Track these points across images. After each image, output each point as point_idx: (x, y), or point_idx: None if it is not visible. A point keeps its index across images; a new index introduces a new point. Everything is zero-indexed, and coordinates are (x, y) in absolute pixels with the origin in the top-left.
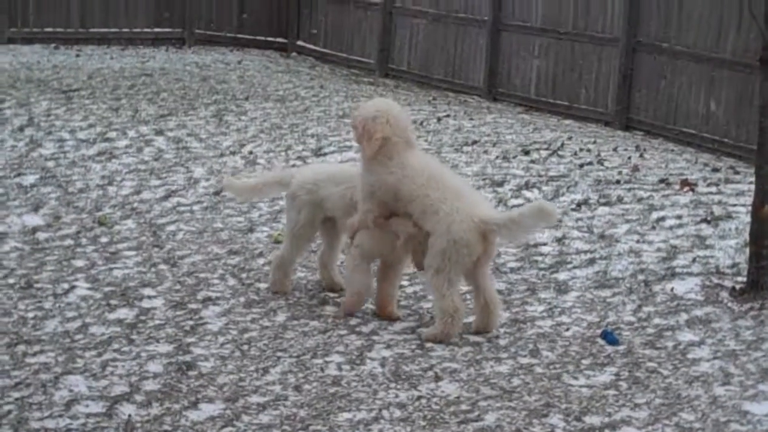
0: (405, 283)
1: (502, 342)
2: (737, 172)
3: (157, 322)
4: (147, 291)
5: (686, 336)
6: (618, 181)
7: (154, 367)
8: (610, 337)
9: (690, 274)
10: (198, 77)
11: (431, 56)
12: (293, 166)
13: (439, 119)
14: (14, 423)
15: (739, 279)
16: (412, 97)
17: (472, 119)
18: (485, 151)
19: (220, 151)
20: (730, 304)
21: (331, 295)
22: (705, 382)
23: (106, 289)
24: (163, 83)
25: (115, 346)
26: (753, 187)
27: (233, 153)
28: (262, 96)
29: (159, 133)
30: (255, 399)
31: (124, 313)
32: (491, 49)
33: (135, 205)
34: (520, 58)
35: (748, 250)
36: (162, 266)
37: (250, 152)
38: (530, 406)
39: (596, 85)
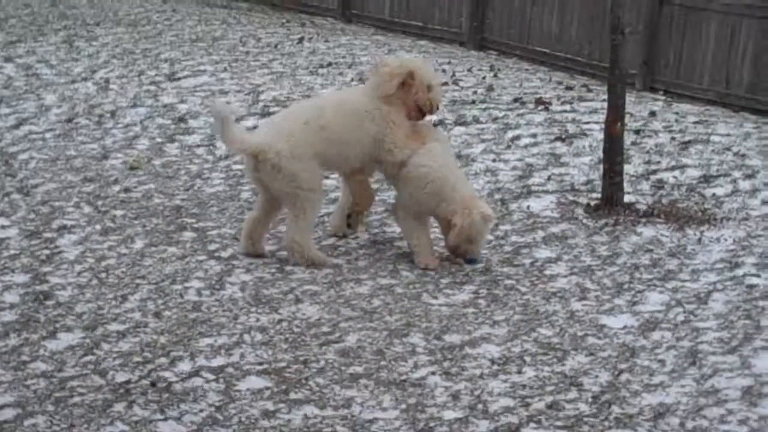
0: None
1: (362, 263)
2: (590, 90)
3: (12, 252)
4: (0, 221)
5: (543, 253)
6: (473, 101)
7: (10, 297)
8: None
9: (545, 191)
10: (47, 2)
11: None
12: (149, 91)
13: (300, 40)
14: None
15: (594, 195)
16: (266, 20)
17: (326, 41)
18: (340, 73)
19: (71, 78)
20: (585, 221)
21: (189, 221)
22: (562, 297)
23: None
24: (11, 9)
25: None
26: (606, 104)
27: (85, 79)
28: (113, 21)
29: (8, 60)
30: (114, 327)
31: None
32: None
33: None
34: None
35: (601, 166)
36: (15, 195)
37: (107, 81)
38: (391, 326)
39: (450, 6)
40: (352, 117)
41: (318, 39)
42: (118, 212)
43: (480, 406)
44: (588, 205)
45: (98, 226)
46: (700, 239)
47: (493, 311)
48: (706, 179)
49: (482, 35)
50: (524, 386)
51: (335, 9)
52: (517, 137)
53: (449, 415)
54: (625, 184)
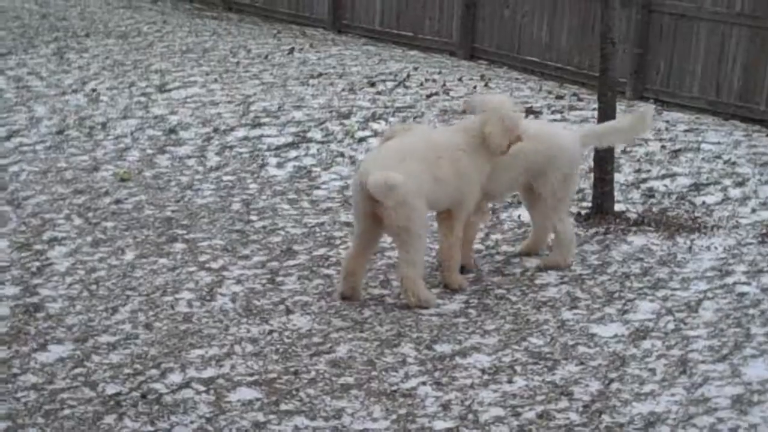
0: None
1: None
2: (581, 99)
3: (3, 264)
4: None
5: (533, 262)
6: (464, 111)
7: (0, 309)
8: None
9: None
10: (37, 15)
11: None
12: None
13: (291, 50)
14: None
15: (584, 204)
16: (256, 31)
17: (317, 52)
18: (331, 84)
19: (62, 90)
20: (576, 230)
21: (179, 232)
22: (553, 306)
23: None
24: (1, 22)
25: None
26: (596, 113)
27: (75, 91)
28: (104, 32)
29: None
30: (105, 339)
31: None
32: None
33: None
34: None
35: (592, 175)
36: (5, 207)
37: (93, 90)
38: (382, 336)
39: (440, 15)
40: None
41: (309, 50)
42: (109, 224)
43: (470, 416)
44: (579, 214)
45: (89, 238)
46: (690, 247)
47: (483, 321)
48: (697, 187)
49: (473, 45)
50: (515, 396)
51: (326, 19)
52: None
53: (440, 425)
54: (616, 193)
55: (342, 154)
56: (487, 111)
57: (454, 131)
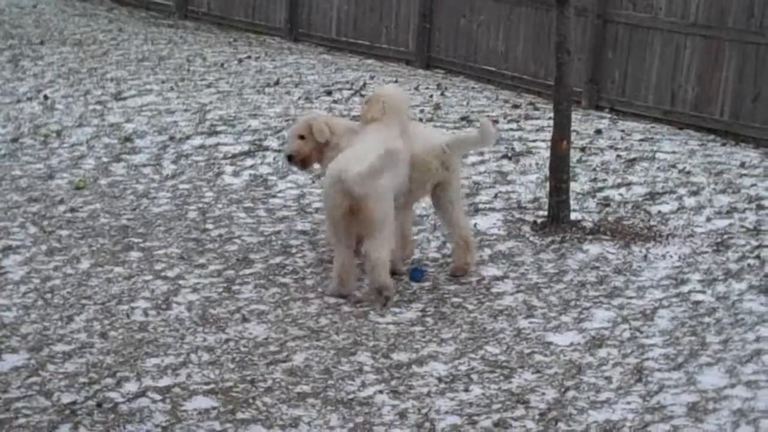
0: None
1: (309, 282)
2: (537, 108)
3: None
4: None
5: (490, 271)
6: (420, 120)
7: None
8: (416, 274)
9: (492, 209)
10: None
11: None
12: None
13: (240, 61)
14: None
15: (540, 213)
16: (213, 39)
17: (273, 60)
18: (287, 92)
19: (16, 97)
20: (532, 238)
21: (135, 241)
22: (509, 315)
23: None
24: None
25: None
26: (552, 122)
27: (30, 99)
28: (59, 40)
29: None
30: (60, 348)
31: None
32: None
33: None
34: None
35: (548, 184)
36: None
37: (45, 96)
38: (338, 345)
39: (397, 24)
40: None
41: (265, 58)
42: (64, 232)
43: (427, 424)
44: (535, 222)
45: (44, 247)
46: (645, 256)
47: (440, 329)
48: (652, 196)
49: (429, 54)
50: (471, 404)
51: (282, 28)
52: (465, 155)
53: None
54: (572, 202)
55: None
56: (385, 96)
57: (389, 125)
